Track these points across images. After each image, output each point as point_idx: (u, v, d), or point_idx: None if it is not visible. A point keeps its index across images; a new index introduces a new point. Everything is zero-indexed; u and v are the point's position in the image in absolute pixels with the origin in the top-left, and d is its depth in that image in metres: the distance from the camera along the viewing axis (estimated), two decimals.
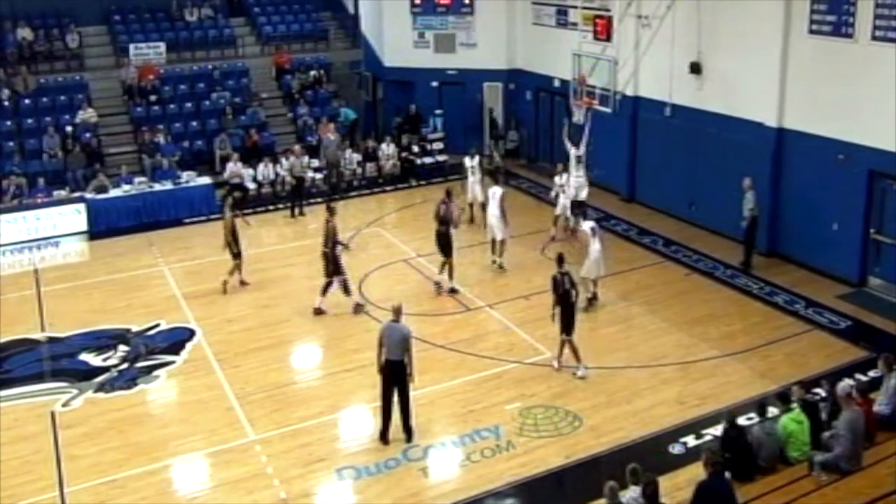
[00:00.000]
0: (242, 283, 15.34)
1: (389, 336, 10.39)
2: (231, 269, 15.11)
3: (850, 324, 13.44)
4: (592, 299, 13.94)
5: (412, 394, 10.65)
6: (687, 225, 17.72)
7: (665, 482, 8.55)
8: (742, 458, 8.86)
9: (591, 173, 16.91)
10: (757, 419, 9.41)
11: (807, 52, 14.80)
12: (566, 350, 12.05)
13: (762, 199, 15.36)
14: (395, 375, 10.41)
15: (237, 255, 15.07)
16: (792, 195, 15.52)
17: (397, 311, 10.61)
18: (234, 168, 20.20)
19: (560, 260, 12.13)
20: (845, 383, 9.25)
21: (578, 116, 17.61)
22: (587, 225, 13.94)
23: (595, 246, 13.59)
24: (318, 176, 21.03)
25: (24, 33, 22.90)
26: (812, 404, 9.56)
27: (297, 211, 19.41)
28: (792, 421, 9.06)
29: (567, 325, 11.90)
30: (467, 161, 18.22)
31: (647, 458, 9.64)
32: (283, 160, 20.24)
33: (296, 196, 19.56)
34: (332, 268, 14.03)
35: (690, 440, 10.40)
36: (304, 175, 19.98)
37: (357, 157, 21.76)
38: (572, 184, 16.52)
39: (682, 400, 11.33)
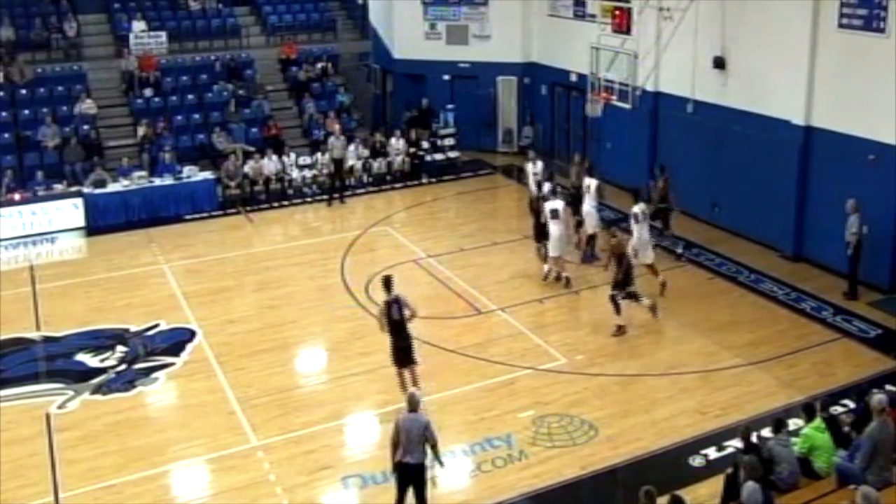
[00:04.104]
0: None
1: (408, 432, 8.66)
2: None
3: (881, 332, 13.08)
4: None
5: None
6: (709, 227, 17.32)
7: (684, 496, 8.17)
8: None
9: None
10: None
11: (836, 48, 14.48)
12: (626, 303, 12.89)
13: (788, 200, 14.97)
14: (411, 479, 8.84)
15: None
16: (820, 197, 15.16)
17: (413, 402, 8.77)
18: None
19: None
20: (882, 396, 8.98)
21: (596, 110, 17.25)
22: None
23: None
24: (309, 174, 20.36)
25: (8, 34, 22.42)
26: (833, 419, 9.36)
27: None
28: (814, 430, 8.91)
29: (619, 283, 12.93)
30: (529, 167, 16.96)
31: (666, 471, 9.60)
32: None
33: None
34: None
35: (711, 452, 10.12)
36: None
37: (365, 152, 21.29)
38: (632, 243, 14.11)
39: (703, 410, 11.04)
